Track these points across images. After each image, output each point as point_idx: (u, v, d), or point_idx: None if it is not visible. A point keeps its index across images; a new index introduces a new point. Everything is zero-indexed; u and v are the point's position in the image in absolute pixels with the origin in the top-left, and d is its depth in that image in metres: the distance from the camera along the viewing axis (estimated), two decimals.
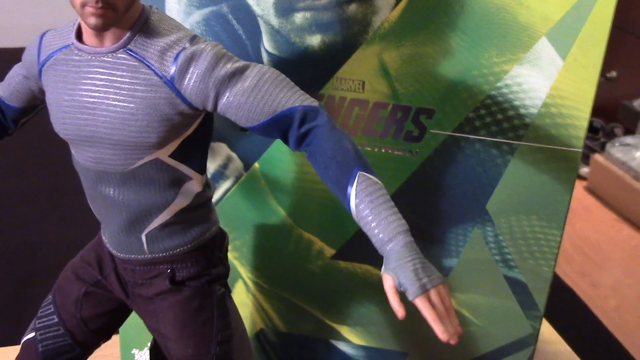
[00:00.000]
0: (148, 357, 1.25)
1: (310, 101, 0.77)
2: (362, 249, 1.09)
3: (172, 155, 0.81)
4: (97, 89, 0.78)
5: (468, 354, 1.14)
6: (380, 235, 0.72)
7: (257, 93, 0.76)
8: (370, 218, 0.72)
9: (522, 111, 0.98)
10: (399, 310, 0.71)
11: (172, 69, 0.76)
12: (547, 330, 1.41)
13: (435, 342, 1.14)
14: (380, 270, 1.10)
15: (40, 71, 0.83)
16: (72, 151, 0.85)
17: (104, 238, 0.91)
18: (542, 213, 1.03)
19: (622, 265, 2.36)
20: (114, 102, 0.77)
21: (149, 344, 1.23)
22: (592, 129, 2.61)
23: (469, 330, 1.12)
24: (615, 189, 2.44)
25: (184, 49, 0.76)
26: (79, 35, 0.80)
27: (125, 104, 0.77)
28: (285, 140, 0.79)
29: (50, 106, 0.83)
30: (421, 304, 0.70)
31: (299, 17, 0.97)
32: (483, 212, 1.04)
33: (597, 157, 2.47)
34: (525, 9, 0.94)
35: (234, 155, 1.07)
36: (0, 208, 2.06)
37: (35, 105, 0.93)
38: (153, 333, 0.92)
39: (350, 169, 0.74)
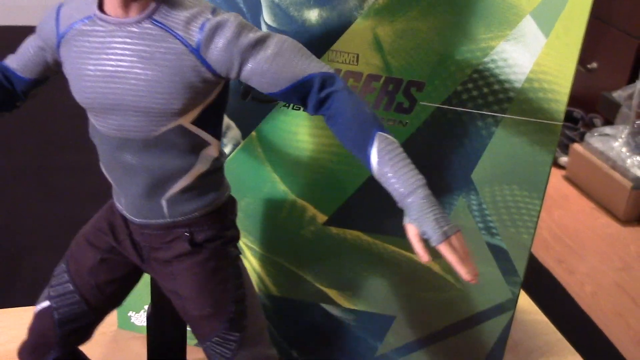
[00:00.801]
0: (145, 320, 1.31)
1: (327, 68, 0.83)
2: (353, 215, 1.17)
3: (194, 122, 0.85)
4: (124, 57, 0.81)
5: (452, 318, 1.22)
6: (401, 190, 0.80)
7: (279, 60, 0.81)
8: (390, 175, 0.80)
9: (507, 85, 1.06)
10: (424, 256, 0.80)
11: (198, 38, 0.80)
12: (524, 301, 1.50)
13: (421, 306, 1.22)
14: (370, 236, 1.18)
15: (59, 42, 0.86)
16: (92, 120, 0.88)
17: (118, 205, 0.95)
18: (524, 183, 1.11)
19: (598, 252, 2.44)
20: (141, 71, 0.81)
21: (145, 307, 1.29)
22: (571, 119, 2.69)
23: (453, 294, 1.20)
24: (594, 178, 2.53)
25: (208, 19, 0.80)
26: (100, 7, 0.83)
27: (152, 72, 0.81)
28: (304, 105, 0.84)
29: (70, 76, 0.86)
30: (445, 249, 0.79)
31: None
32: (468, 182, 1.12)
33: (576, 146, 2.55)
34: None
35: (232, 123, 1.14)
36: None
37: (47, 77, 0.95)
38: (170, 295, 0.97)
39: (370, 130, 0.81)
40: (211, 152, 0.90)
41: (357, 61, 1.07)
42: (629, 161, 2.42)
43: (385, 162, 0.80)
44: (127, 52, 0.81)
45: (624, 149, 2.45)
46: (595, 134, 2.54)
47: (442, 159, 1.12)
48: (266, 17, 1.06)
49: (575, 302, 2.12)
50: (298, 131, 1.12)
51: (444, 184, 1.13)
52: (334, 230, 1.18)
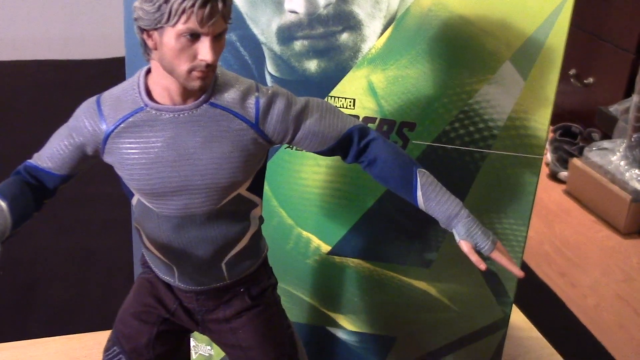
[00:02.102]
0: None
1: (357, 121, 0.97)
2: (354, 245, 1.31)
3: (248, 189, 0.96)
4: (190, 140, 0.90)
5: (448, 337, 1.36)
6: (447, 215, 0.96)
7: (324, 122, 0.94)
8: (434, 204, 0.96)
9: (491, 124, 1.20)
10: (482, 264, 0.95)
11: (255, 114, 0.91)
12: (519, 318, 1.63)
13: (419, 327, 1.35)
14: (371, 264, 1.32)
15: (106, 137, 0.92)
16: (149, 204, 0.94)
17: (165, 278, 1.02)
18: (510, 211, 1.25)
19: (600, 265, 2.54)
20: (208, 150, 0.90)
21: None
22: (570, 134, 2.82)
23: (449, 315, 1.34)
24: (593, 192, 2.63)
25: (258, 95, 0.91)
26: (150, 98, 0.90)
27: (218, 150, 0.90)
28: (345, 155, 0.97)
29: (127, 166, 0.92)
30: (496, 255, 0.96)
31: (298, 45, 1.18)
32: None
33: (576, 161, 2.67)
34: (491, 37, 1.15)
35: None
36: None
37: (81, 169, 1.00)
38: (230, 350, 1.05)
39: (411, 169, 0.96)
40: (258, 211, 1.00)
41: (354, 105, 1.21)
42: (627, 174, 2.52)
43: (429, 195, 0.96)
44: (192, 135, 0.90)
45: (622, 163, 2.55)
46: (594, 149, 2.64)
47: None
48: (270, 68, 1.20)
49: (575, 316, 2.22)
50: (302, 169, 1.26)
51: None
52: (337, 259, 1.32)
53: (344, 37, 1.17)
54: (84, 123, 0.92)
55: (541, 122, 1.19)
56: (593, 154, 2.63)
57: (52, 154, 0.95)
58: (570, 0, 1.13)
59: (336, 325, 1.38)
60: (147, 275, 1.05)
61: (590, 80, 2.86)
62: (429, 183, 0.96)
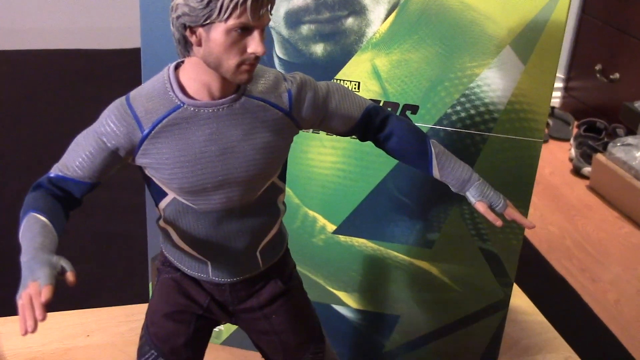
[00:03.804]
0: None
1: (369, 100, 1.04)
2: (359, 225, 1.38)
3: (279, 176, 1.02)
4: (233, 133, 0.93)
5: (450, 316, 1.43)
6: (461, 179, 1.04)
7: (346, 104, 1.01)
8: (448, 171, 1.05)
9: (491, 107, 1.27)
10: (498, 221, 1.03)
11: (288, 102, 0.96)
12: (524, 302, 1.69)
13: (422, 306, 1.43)
14: (375, 243, 1.39)
15: (143, 139, 0.93)
16: (189, 203, 0.97)
17: (198, 274, 1.05)
18: (510, 193, 1.30)
19: (622, 261, 2.58)
20: (251, 141, 0.94)
21: None
22: (595, 130, 2.86)
23: (450, 295, 1.41)
24: (617, 188, 2.67)
25: (288, 84, 0.97)
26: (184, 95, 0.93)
27: (260, 141, 0.95)
28: (362, 133, 1.04)
29: (166, 167, 0.94)
30: (510, 212, 1.05)
31: (305, 29, 1.27)
32: None
33: (599, 156, 2.70)
34: (492, 23, 1.22)
35: None
36: (6, 210, 2.28)
37: (111, 174, 1.00)
38: (261, 336, 1.10)
39: (424, 141, 1.04)
40: (283, 197, 1.06)
41: (359, 88, 1.29)
42: None
43: (443, 164, 1.05)
44: (232, 128, 0.94)
45: None
46: (618, 144, 2.68)
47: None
48: (278, 51, 1.29)
49: (592, 311, 2.27)
50: (308, 150, 1.34)
51: (439, 196, 1.34)
52: (342, 238, 1.40)
53: (349, 21, 1.25)
54: (117, 127, 0.93)
55: (541, 106, 1.26)
56: (617, 149, 2.67)
57: (82, 162, 0.94)
58: None
59: (341, 303, 1.45)
60: (171, 274, 1.07)
61: (616, 75, 2.90)
62: (442, 152, 1.05)
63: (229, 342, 1.53)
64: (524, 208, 1.32)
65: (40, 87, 3.06)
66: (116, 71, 3.14)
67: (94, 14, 3.34)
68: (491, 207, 1.04)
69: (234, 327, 1.45)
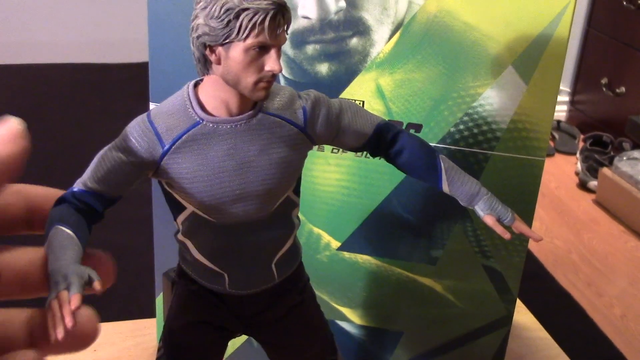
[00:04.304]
0: None
1: (380, 117, 1.06)
2: (363, 242, 1.40)
3: (294, 190, 1.04)
4: (251, 148, 0.95)
5: (454, 333, 1.45)
6: (470, 193, 1.05)
7: (359, 120, 1.03)
8: (457, 186, 1.06)
9: (494, 126, 1.29)
10: (507, 234, 1.05)
11: (303, 118, 0.98)
12: (529, 319, 1.71)
13: (425, 322, 1.44)
14: (379, 260, 1.41)
15: (163, 155, 0.95)
16: (207, 217, 0.99)
17: (215, 287, 1.06)
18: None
19: (628, 276, 2.60)
20: (267, 156, 0.96)
21: None
22: (601, 144, 2.88)
23: (454, 312, 1.43)
24: (623, 202, 2.70)
25: (304, 101, 0.99)
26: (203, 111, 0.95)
27: (277, 156, 0.97)
28: (375, 150, 1.06)
29: (185, 182, 0.96)
30: (517, 225, 1.06)
31: (310, 49, 1.29)
32: (463, 210, 1.34)
33: (605, 170, 2.73)
34: (494, 43, 1.25)
35: None
36: None
37: (132, 189, 1.00)
38: (275, 347, 1.12)
39: (434, 156, 1.06)
40: (297, 211, 1.07)
41: (363, 107, 1.31)
42: None
43: (452, 179, 1.06)
44: (249, 144, 0.95)
45: None
46: (624, 158, 2.71)
47: (439, 191, 1.34)
48: (283, 70, 1.31)
49: (597, 326, 2.28)
50: (313, 168, 1.36)
51: (442, 213, 1.36)
52: (346, 255, 1.42)
53: (354, 41, 1.27)
54: (139, 143, 0.94)
55: (543, 125, 1.27)
56: (623, 163, 2.69)
57: (105, 177, 0.95)
58: (571, 7, 1.21)
59: (346, 319, 1.47)
60: (190, 287, 1.09)
61: (622, 89, 2.92)
62: (451, 167, 1.06)
63: (233, 358, 1.54)
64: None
65: (51, 101, 3.10)
66: (124, 85, 3.19)
67: (104, 28, 3.39)
68: (499, 220, 1.05)
69: (239, 342, 1.47)
